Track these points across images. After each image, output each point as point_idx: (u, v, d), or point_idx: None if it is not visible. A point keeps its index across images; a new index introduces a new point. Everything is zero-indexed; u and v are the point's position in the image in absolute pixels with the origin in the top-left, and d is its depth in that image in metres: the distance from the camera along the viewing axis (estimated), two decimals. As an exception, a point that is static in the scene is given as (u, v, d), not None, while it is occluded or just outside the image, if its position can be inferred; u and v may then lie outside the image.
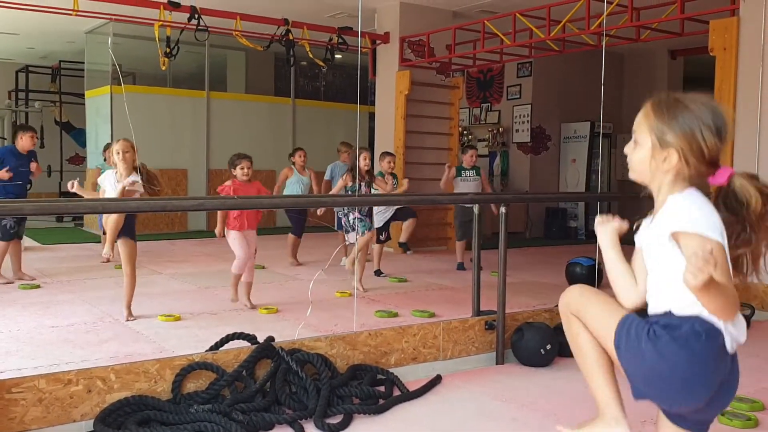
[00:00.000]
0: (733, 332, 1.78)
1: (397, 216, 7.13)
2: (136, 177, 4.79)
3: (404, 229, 7.26)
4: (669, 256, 1.74)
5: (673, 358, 1.72)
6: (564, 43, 8.33)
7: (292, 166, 7.80)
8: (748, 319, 5.23)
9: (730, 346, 1.78)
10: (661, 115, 1.73)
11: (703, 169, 1.72)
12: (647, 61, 11.89)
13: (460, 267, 7.50)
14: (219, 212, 5.34)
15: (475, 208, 4.39)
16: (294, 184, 7.73)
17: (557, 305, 2.14)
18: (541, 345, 4.08)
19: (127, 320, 4.86)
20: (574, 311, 2.02)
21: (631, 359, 1.81)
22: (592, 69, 10.02)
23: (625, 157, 1.86)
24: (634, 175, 1.84)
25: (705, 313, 1.73)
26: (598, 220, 1.98)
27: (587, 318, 1.97)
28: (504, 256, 4.20)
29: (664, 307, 1.80)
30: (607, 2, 6.36)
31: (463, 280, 6.77)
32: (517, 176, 11.89)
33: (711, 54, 6.23)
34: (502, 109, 12.19)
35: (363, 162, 6.13)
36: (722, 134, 1.71)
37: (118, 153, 4.81)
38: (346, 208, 6.11)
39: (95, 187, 4.98)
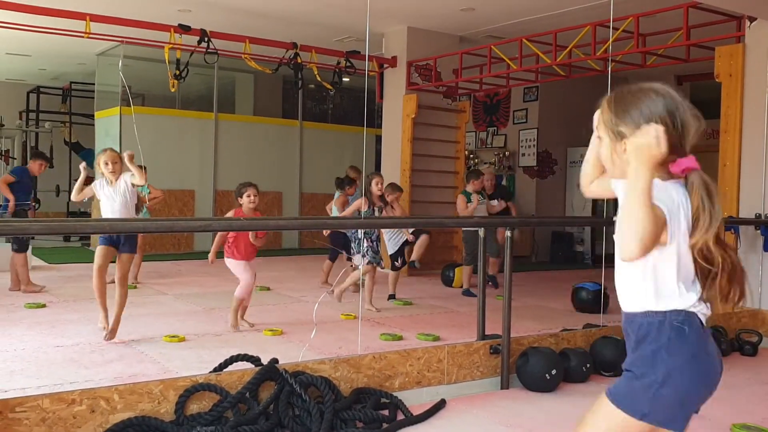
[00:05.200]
0: (702, 308, 1.72)
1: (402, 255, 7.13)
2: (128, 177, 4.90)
3: (417, 246, 7.18)
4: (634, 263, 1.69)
5: (677, 364, 1.68)
6: (570, 68, 8.38)
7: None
8: (755, 346, 5.18)
9: (702, 314, 1.72)
10: (613, 109, 1.72)
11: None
12: (653, 87, 11.92)
13: (467, 293, 7.41)
14: (217, 238, 5.36)
15: (481, 232, 4.40)
16: None
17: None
18: (547, 370, 4.05)
19: (107, 340, 4.83)
20: None
21: (659, 412, 1.71)
22: (598, 94, 10.01)
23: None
24: (609, 174, 1.80)
25: (671, 303, 1.69)
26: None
27: None
28: (509, 280, 4.19)
29: (632, 308, 1.76)
30: (613, 28, 6.41)
31: (468, 304, 6.75)
32: (524, 200, 11.90)
33: (717, 80, 6.26)
34: (509, 133, 12.24)
35: (375, 187, 6.14)
36: (675, 120, 1.66)
37: (107, 164, 4.86)
38: (360, 233, 6.11)
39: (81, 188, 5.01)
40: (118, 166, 4.91)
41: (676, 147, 1.65)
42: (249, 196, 5.27)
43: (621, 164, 1.70)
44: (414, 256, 7.24)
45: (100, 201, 5.02)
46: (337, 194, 7.85)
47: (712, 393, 1.76)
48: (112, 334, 4.85)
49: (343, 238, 7.56)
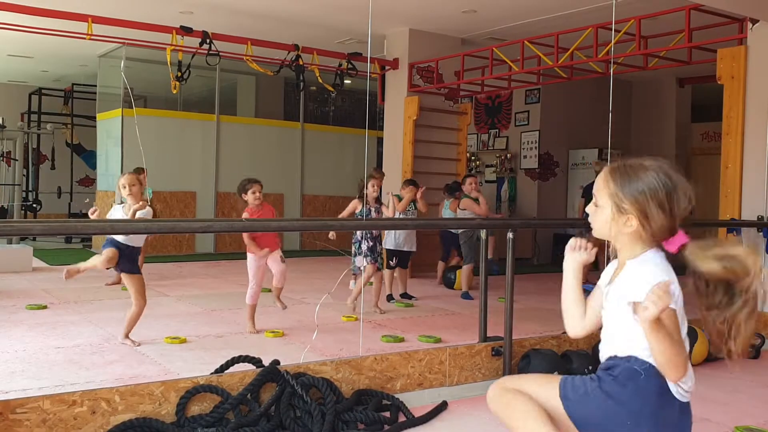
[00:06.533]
0: (681, 384, 1.83)
1: (401, 257, 7.10)
2: (147, 209, 4.81)
3: (400, 280, 7.21)
4: (625, 319, 1.83)
5: (618, 395, 1.82)
6: (572, 71, 8.38)
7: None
8: (758, 348, 5.17)
9: (675, 391, 1.82)
10: (617, 183, 1.84)
11: (660, 233, 1.80)
12: (655, 89, 11.93)
13: (465, 296, 7.35)
14: (246, 237, 5.32)
15: (483, 234, 4.39)
16: None
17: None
18: (549, 372, 4.04)
19: (122, 343, 4.82)
20: (512, 387, 2.06)
21: (578, 406, 1.89)
22: (600, 96, 10.05)
23: (587, 216, 1.95)
24: (596, 234, 1.92)
25: (642, 354, 1.80)
26: (571, 244, 2.07)
27: (528, 388, 2.03)
28: (511, 282, 4.19)
29: (609, 353, 1.91)
30: (615, 30, 6.40)
31: (469, 306, 6.75)
32: (525, 202, 11.89)
33: (719, 82, 6.25)
34: (510, 135, 12.23)
35: (371, 189, 6.14)
36: (671, 201, 1.78)
37: (125, 187, 4.75)
38: (359, 235, 6.11)
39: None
40: (137, 189, 4.80)
41: (669, 227, 1.78)
42: (255, 192, 5.28)
43: (619, 235, 1.85)
44: (402, 290, 7.20)
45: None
46: (449, 201, 8.01)
47: None
48: (123, 337, 4.87)
49: (453, 238, 7.66)
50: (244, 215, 5.25)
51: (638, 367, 1.81)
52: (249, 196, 5.28)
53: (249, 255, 5.33)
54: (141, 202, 4.77)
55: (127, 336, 4.88)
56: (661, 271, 1.78)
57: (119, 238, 4.69)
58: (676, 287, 1.75)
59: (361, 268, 6.06)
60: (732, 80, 6.10)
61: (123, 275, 4.82)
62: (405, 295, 7.16)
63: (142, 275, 4.88)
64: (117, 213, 4.89)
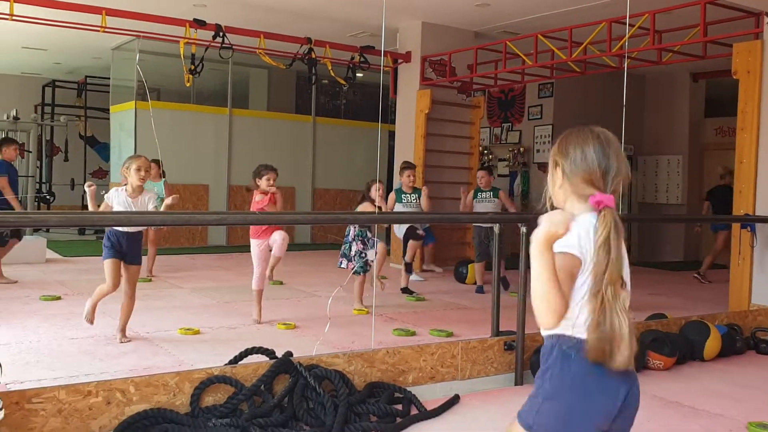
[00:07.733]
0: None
1: (408, 233, 7.10)
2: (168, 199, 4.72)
3: (409, 247, 7.18)
4: None
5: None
6: (585, 65, 8.33)
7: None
8: (771, 344, 5.14)
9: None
10: (558, 142, 1.90)
11: (584, 189, 1.80)
12: (669, 84, 11.85)
13: (480, 290, 7.37)
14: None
15: (495, 228, 4.39)
16: None
17: None
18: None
19: (121, 342, 4.67)
20: None
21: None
22: (614, 91, 10.00)
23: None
24: (554, 200, 1.91)
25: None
26: None
27: None
28: (524, 276, 4.18)
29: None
30: (629, 25, 6.36)
31: (482, 301, 6.74)
32: (538, 196, 11.85)
33: (734, 77, 6.20)
34: (523, 129, 12.19)
35: (375, 193, 6.07)
36: (601, 161, 1.79)
37: (139, 170, 4.60)
38: (350, 236, 6.04)
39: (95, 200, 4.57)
40: (149, 175, 4.78)
41: (598, 185, 1.80)
42: (269, 179, 5.32)
43: (559, 194, 1.88)
44: (408, 258, 7.16)
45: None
46: None
47: (603, 425, 1.76)
48: (121, 334, 4.74)
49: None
50: (258, 198, 5.31)
51: (566, 347, 1.75)
52: (263, 182, 5.32)
53: (251, 241, 5.38)
54: (170, 200, 4.66)
55: (123, 331, 4.74)
56: (584, 233, 1.73)
57: (121, 227, 4.52)
58: (576, 237, 1.72)
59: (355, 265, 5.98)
60: (748, 75, 6.05)
61: (131, 267, 4.66)
62: (406, 289, 7.10)
63: (140, 266, 4.81)
64: (119, 197, 4.60)
